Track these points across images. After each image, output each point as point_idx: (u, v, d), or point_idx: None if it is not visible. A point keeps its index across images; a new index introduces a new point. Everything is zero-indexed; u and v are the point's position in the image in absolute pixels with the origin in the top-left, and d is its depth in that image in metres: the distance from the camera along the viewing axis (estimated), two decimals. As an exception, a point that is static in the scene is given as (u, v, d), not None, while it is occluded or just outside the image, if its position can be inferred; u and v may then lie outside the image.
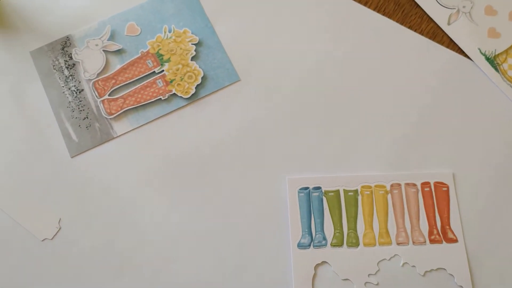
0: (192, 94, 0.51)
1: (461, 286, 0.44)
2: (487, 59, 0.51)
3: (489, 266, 0.45)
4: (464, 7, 0.53)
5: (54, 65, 0.53)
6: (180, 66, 0.52)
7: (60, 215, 0.48)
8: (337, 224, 0.47)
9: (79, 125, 0.51)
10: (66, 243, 0.47)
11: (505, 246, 0.46)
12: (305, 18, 0.54)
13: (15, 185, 0.49)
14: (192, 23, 0.54)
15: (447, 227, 0.46)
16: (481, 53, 0.52)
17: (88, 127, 0.51)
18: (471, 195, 0.47)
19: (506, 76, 0.51)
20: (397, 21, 0.54)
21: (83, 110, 0.51)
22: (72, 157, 0.50)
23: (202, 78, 0.52)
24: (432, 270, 0.45)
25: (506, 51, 0.52)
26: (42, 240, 0.47)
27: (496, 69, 0.51)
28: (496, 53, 0.52)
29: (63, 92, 0.52)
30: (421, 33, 0.53)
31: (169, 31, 0.54)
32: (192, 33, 0.54)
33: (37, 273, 0.46)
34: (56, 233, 0.47)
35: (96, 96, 0.52)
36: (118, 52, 0.53)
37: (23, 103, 0.52)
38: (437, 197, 0.47)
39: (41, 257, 0.47)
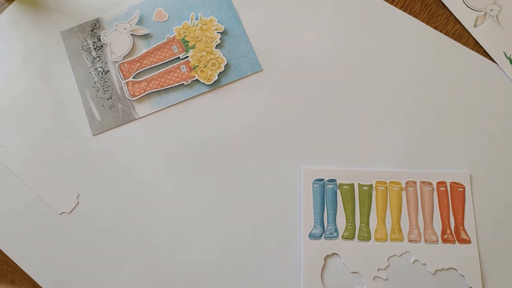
0: (215, 81, 0.52)
1: (471, 287, 0.44)
2: (512, 63, 0.51)
3: (501, 269, 0.45)
4: (491, 10, 0.53)
5: (82, 46, 0.55)
6: (204, 53, 0.53)
7: (79, 190, 0.49)
8: (350, 217, 0.47)
9: (103, 105, 0.52)
10: (83, 218, 0.48)
11: (518, 251, 0.46)
12: (329, 13, 0.55)
13: (38, 160, 0.50)
14: (218, 12, 0.55)
15: (461, 227, 0.46)
16: (506, 56, 0.51)
17: (111, 107, 0.52)
18: (487, 197, 0.47)
19: (530, 80, 0.50)
20: (423, 21, 0.54)
21: (108, 90, 0.53)
22: (94, 136, 0.51)
23: (225, 66, 0.53)
24: (443, 269, 0.45)
25: (532, 56, 0.51)
26: (60, 214, 0.49)
27: (521, 73, 0.51)
28: (522, 58, 0.51)
29: (90, 72, 0.53)
30: (447, 34, 0.53)
31: (196, 19, 0.55)
32: (218, 22, 0.55)
33: (53, 244, 0.47)
34: (74, 208, 0.49)
35: (121, 78, 0.53)
36: (145, 36, 0.55)
37: (51, 80, 0.53)
38: (452, 197, 0.47)
39: (58, 230, 0.48)
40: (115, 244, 0.47)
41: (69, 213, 0.49)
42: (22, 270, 0.47)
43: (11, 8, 0.56)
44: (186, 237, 0.47)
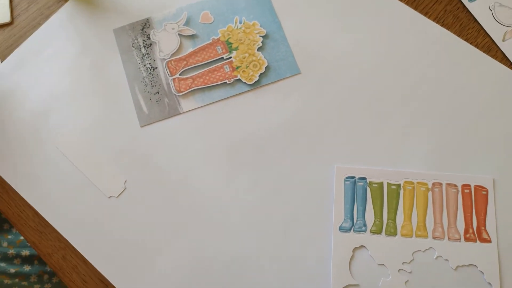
0: (255, 82, 0.56)
1: (489, 283, 0.47)
2: (538, 76, 0.54)
3: (519, 269, 0.48)
4: (520, 25, 0.56)
5: (133, 43, 0.59)
6: (246, 55, 0.57)
7: (126, 177, 0.53)
8: (378, 213, 0.50)
9: (150, 99, 0.56)
10: (129, 202, 0.52)
11: (536, 252, 0.48)
12: (367, 22, 0.58)
13: (90, 147, 0.54)
14: (261, 17, 0.59)
15: (483, 228, 0.49)
16: (533, 70, 0.54)
17: (158, 101, 0.56)
18: (509, 201, 0.50)
19: (554, 94, 0.53)
20: (454, 33, 0.57)
21: (155, 85, 0.57)
22: (141, 127, 0.55)
23: (265, 67, 0.56)
24: (464, 265, 0.48)
25: (557, 71, 0.54)
26: (109, 197, 0.53)
27: (546, 87, 0.53)
28: (547, 72, 0.54)
29: (139, 68, 0.58)
30: (477, 46, 0.56)
31: (240, 22, 0.59)
32: (260, 26, 0.58)
33: (102, 225, 0.51)
34: (121, 192, 0.53)
35: (168, 74, 0.57)
36: (192, 36, 0.59)
37: (103, 74, 0.58)
38: (476, 199, 0.50)
39: (107, 212, 0.52)
40: (157, 227, 0.51)
41: (117, 197, 0.53)
42: (72, 247, 0.51)
43: (69, 4, 0.61)
44: (224, 224, 0.51)
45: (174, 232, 0.51)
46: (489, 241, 0.48)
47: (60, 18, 0.60)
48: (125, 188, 0.53)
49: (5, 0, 0.60)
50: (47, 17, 0.60)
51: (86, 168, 0.54)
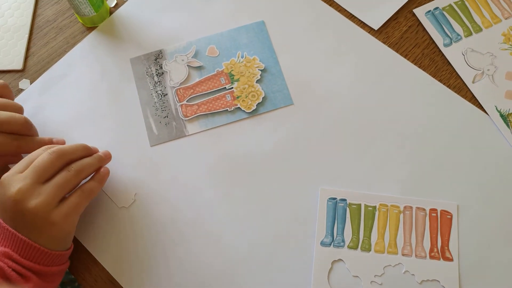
0: (253, 110, 0.63)
1: (449, 297, 0.54)
2: (501, 115, 0.61)
3: (477, 285, 0.54)
4: (488, 70, 0.63)
5: (147, 72, 0.66)
6: (246, 86, 0.65)
7: (136, 190, 0.60)
8: (355, 231, 0.57)
9: (160, 122, 0.64)
10: (139, 213, 0.59)
11: (492, 272, 0.55)
12: (354, 61, 0.65)
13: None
14: (260, 53, 0.67)
15: (446, 247, 0.56)
16: (497, 110, 0.61)
17: (167, 124, 0.63)
18: (470, 225, 0.56)
19: (515, 132, 0.60)
20: (430, 74, 0.64)
21: (165, 110, 0.64)
22: (151, 146, 0.62)
23: (263, 98, 0.64)
24: (428, 280, 0.54)
25: (518, 111, 0.61)
26: (120, 208, 0.60)
27: (508, 125, 0.60)
28: (510, 112, 0.61)
29: (151, 94, 0.65)
30: (449, 86, 0.63)
31: (242, 57, 0.66)
32: (259, 61, 0.66)
33: (113, 232, 0.58)
34: (131, 204, 0.60)
35: (177, 101, 0.65)
36: (199, 68, 0.66)
37: (119, 98, 0.65)
38: (441, 222, 0.57)
39: (119, 221, 0.58)
40: (163, 236, 0.57)
41: (127, 207, 0.60)
42: (86, 249, 0.58)
43: (91, 35, 0.69)
44: (218, 237, 0.58)
45: (177, 240, 0.57)
46: (451, 260, 0.55)
47: (83, 47, 0.68)
48: (135, 200, 0.60)
49: (22, 49, 0.67)
50: (72, 45, 0.68)
51: (101, 181, 0.61)
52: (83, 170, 0.53)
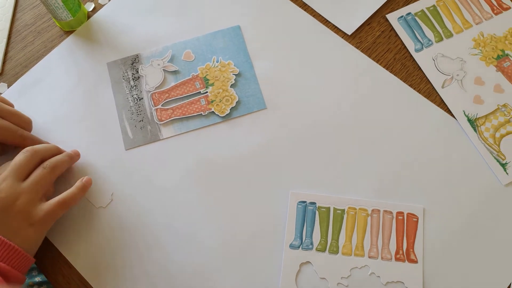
0: (227, 114, 0.64)
1: (413, 298, 0.55)
2: (469, 120, 0.62)
3: (439, 287, 0.56)
4: (457, 75, 0.64)
5: (123, 76, 0.67)
6: (220, 90, 0.66)
7: (113, 190, 0.61)
8: (324, 234, 0.58)
9: (135, 125, 0.65)
10: (116, 212, 0.60)
11: (455, 273, 0.56)
12: (327, 66, 0.66)
13: (82, 164, 0.62)
14: (235, 57, 0.68)
15: (411, 250, 0.57)
16: (465, 114, 0.62)
17: (142, 128, 0.64)
18: (435, 228, 0.58)
19: (482, 136, 0.61)
20: (401, 79, 0.65)
21: (140, 114, 0.65)
22: (126, 150, 0.63)
23: (236, 102, 0.65)
24: (393, 282, 0.56)
25: (485, 116, 0.62)
26: (98, 207, 0.60)
27: (475, 130, 0.61)
28: (477, 117, 0.62)
29: (127, 98, 0.66)
30: (419, 91, 0.65)
31: (217, 61, 0.67)
32: (234, 65, 0.67)
33: (91, 232, 0.59)
34: (108, 203, 0.61)
35: (152, 105, 0.66)
36: (174, 72, 0.67)
37: (95, 102, 0.66)
38: (407, 225, 0.58)
39: (96, 220, 0.59)
40: (138, 238, 0.58)
41: (105, 207, 0.61)
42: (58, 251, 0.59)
43: (69, 39, 0.70)
44: (192, 238, 0.59)
45: (151, 242, 0.58)
46: (416, 262, 0.56)
47: (60, 50, 0.69)
48: (112, 200, 0.61)
49: (0, 53, 0.68)
50: (50, 49, 0.69)
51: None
52: (57, 166, 0.57)
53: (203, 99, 0.65)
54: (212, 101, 0.65)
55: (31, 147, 0.56)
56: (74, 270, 0.58)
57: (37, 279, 0.58)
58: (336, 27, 0.69)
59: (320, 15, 0.69)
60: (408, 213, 0.58)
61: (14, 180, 0.53)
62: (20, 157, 0.55)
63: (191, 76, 0.67)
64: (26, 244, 0.52)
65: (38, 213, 0.53)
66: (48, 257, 0.59)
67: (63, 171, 0.58)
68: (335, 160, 0.62)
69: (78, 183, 0.58)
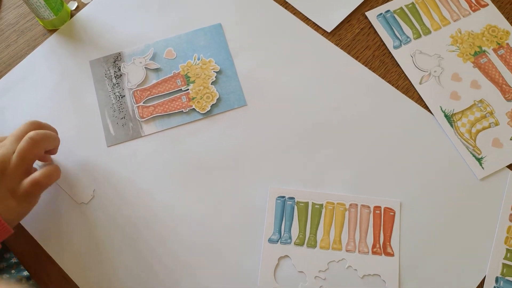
0: (207, 111, 0.65)
1: (389, 291, 0.56)
2: (446, 116, 0.63)
3: (416, 279, 0.56)
4: (435, 71, 0.65)
5: (105, 74, 0.68)
6: (201, 87, 0.66)
7: (94, 187, 0.62)
8: (302, 228, 0.59)
9: (117, 123, 0.65)
10: (97, 208, 0.60)
11: (430, 266, 0.57)
12: (307, 64, 0.67)
13: (63, 161, 0.63)
14: (216, 55, 0.68)
15: (388, 243, 0.58)
16: (442, 110, 0.63)
17: (124, 125, 0.65)
18: (412, 222, 0.59)
19: (458, 131, 0.62)
20: (379, 75, 0.66)
21: (122, 111, 0.66)
22: (108, 146, 0.64)
23: (217, 99, 0.66)
24: (369, 275, 0.56)
25: (462, 112, 0.63)
26: (79, 204, 0.61)
27: (451, 125, 0.62)
28: (454, 112, 0.63)
29: (109, 96, 0.67)
30: (397, 87, 0.65)
31: (198, 59, 0.68)
32: (215, 63, 0.68)
33: (73, 228, 0.60)
34: (90, 200, 0.61)
35: (134, 102, 0.66)
36: (156, 70, 0.68)
37: (78, 100, 0.66)
38: (384, 219, 0.59)
39: (78, 216, 0.60)
40: (120, 235, 0.59)
41: (87, 203, 0.61)
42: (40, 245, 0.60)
43: (52, 38, 0.70)
44: (173, 233, 0.60)
45: (134, 237, 0.59)
46: (392, 255, 0.57)
47: (43, 49, 0.69)
48: (94, 196, 0.61)
49: None
50: (33, 48, 0.70)
51: (60, 179, 0.62)
52: (40, 139, 0.55)
53: (184, 96, 0.66)
54: (193, 98, 0.66)
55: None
56: (57, 266, 0.59)
57: (25, 273, 0.58)
58: (316, 24, 0.69)
59: (301, 12, 0.70)
60: (385, 207, 0.59)
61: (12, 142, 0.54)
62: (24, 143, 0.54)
63: (172, 74, 0.67)
64: (7, 214, 0.52)
65: (23, 187, 0.53)
66: (31, 253, 0.59)
67: (45, 143, 0.56)
68: (314, 156, 0.62)
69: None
